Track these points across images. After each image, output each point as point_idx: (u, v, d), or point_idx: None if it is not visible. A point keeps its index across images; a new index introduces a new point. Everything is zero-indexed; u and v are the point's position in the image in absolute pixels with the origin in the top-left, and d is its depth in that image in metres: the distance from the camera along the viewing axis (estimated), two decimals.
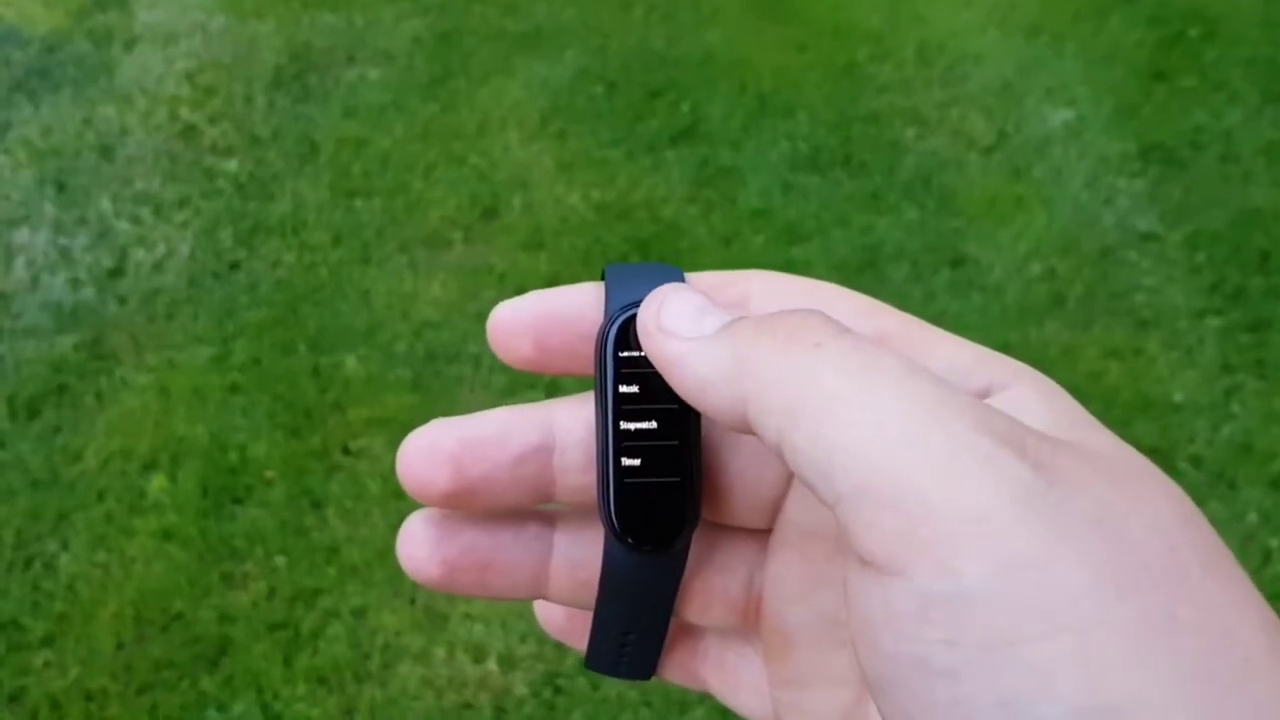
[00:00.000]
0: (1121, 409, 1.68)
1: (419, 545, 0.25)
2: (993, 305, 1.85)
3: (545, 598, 0.26)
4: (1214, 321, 1.82)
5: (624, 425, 0.23)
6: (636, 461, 0.23)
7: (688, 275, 0.24)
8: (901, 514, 0.18)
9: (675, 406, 0.23)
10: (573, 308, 0.24)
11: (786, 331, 0.21)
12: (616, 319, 0.23)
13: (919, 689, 0.18)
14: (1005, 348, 1.56)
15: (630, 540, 0.24)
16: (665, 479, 0.24)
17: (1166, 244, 1.95)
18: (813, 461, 0.19)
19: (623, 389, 0.23)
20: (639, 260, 1.93)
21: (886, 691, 0.19)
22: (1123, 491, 0.19)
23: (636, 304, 0.23)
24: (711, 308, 0.23)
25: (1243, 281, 1.88)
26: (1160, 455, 1.61)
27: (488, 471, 0.23)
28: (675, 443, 0.24)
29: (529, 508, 0.25)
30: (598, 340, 0.24)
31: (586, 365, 0.24)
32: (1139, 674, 0.17)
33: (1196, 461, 1.61)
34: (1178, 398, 1.70)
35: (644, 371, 0.23)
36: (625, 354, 0.23)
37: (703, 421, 0.24)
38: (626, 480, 0.23)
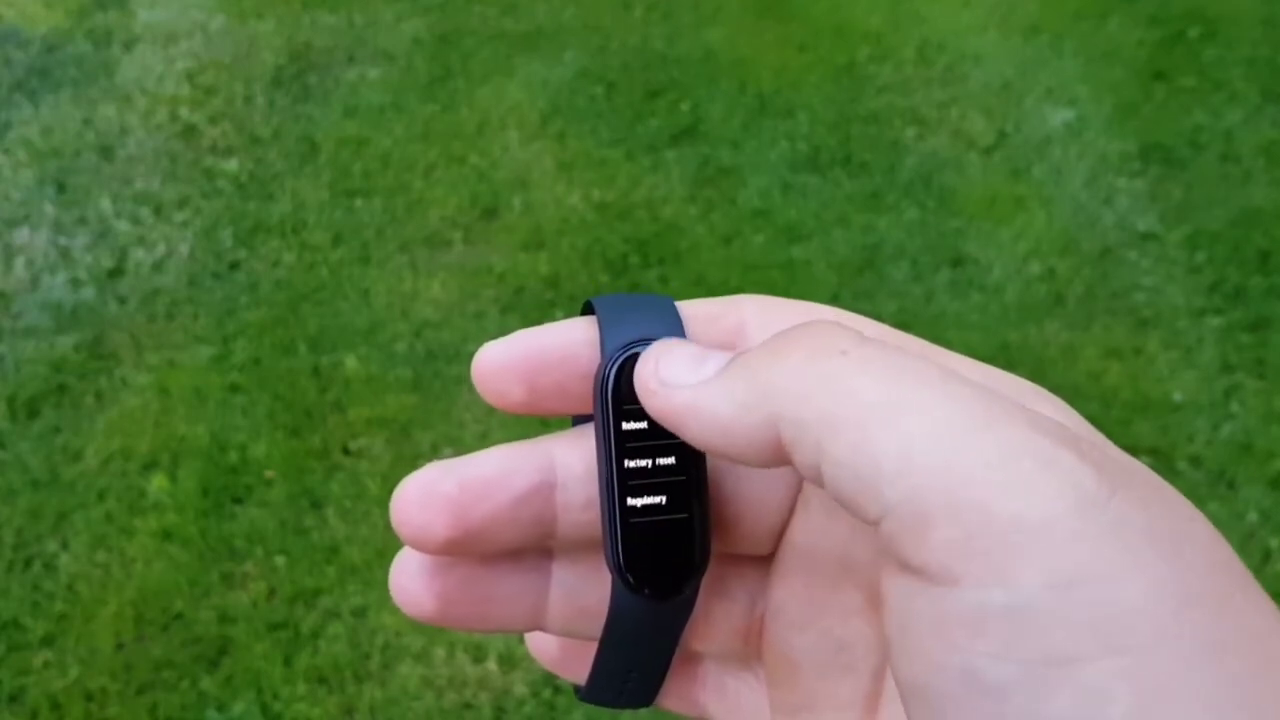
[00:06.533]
0: (1121, 409, 1.68)
1: (413, 579, 0.23)
2: (993, 305, 1.85)
3: (543, 629, 0.25)
4: (1214, 321, 1.82)
5: (629, 464, 0.22)
6: (642, 503, 0.23)
7: (678, 304, 0.24)
8: (957, 523, 0.17)
9: (680, 443, 0.23)
10: (563, 346, 0.23)
11: (807, 344, 0.20)
12: (615, 358, 0.23)
13: (963, 703, 0.18)
14: (1005, 348, 1.56)
15: (639, 587, 0.23)
16: (674, 518, 0.23)
17: (1166, 244, 1.95)
18: (857, 473, 0.18)
19: (626, 426, 0.23)
20: (638, 259, 1.93)
21: (927, 701, 0.18)
22: (1169, 507, 0.18)
23: (634, 342, 0.23)
24: (710, 352, 0.22)
25: (1243, 281, 1.88)
26: (1160, 455, 1.61)
27: (489, 514, 0.22)
28: (683, 479, 0.23)
29: (528, 549, 0.24)
30: (596, 382, 0.23)
31: (578, 405, 0.23)
32: (1190, 698, 0.16)
33: (1196, 461, 1.61)
34: (1178, 397, 1.70)
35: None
36: (627, 394, 0.22)
37: (707, 458, 0.23)
38: (633, 522, 0.23)
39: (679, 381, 0.21)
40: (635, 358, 0.22)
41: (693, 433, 0.21)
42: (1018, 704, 0.17)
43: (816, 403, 0.19)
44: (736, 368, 0.21)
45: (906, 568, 0.18)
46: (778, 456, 0.20)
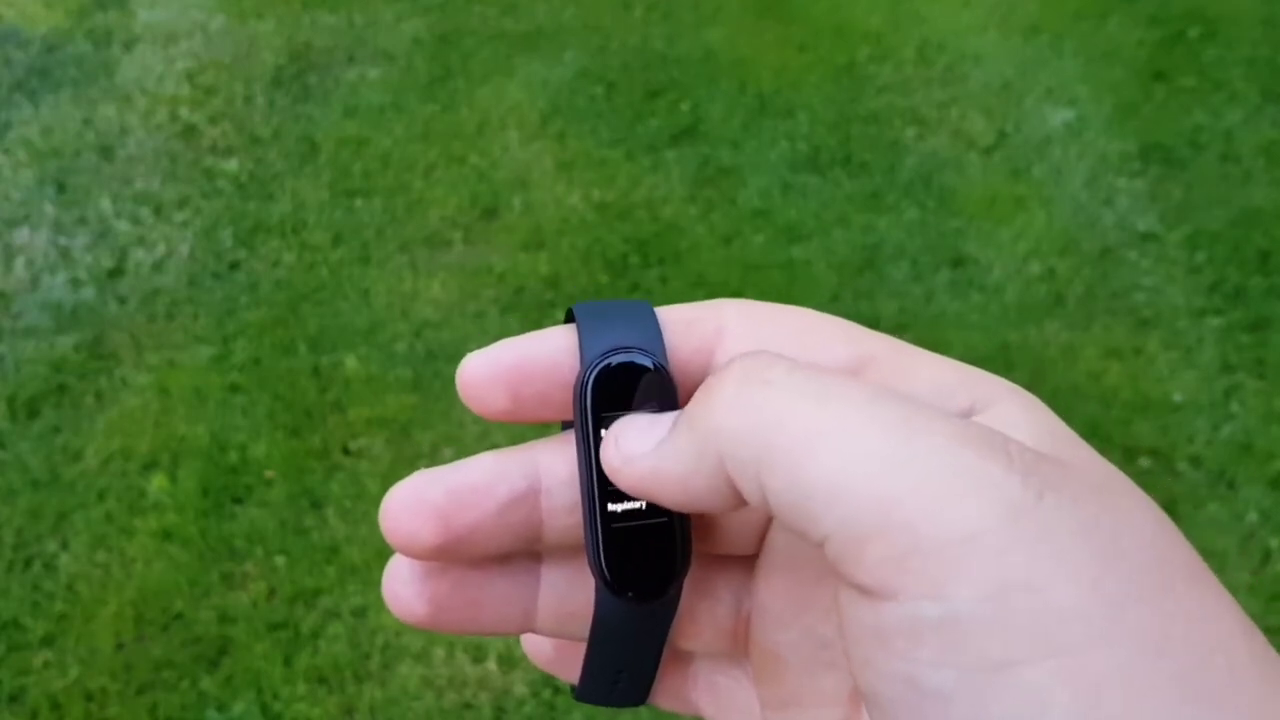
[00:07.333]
0: (1121, 409, 1.68)
1: (405, 585, 0.24)
2: (993, 305, 1.85)
3: (534, 631, 0.25)
4: (1214, 321, 1.82)
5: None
6: (623, 508, 0.23)
7: (657, 310, 0.24)
8: (890, 542, 0.18)
9: None
10: (546, 356, 0.24)
11: (734, 380, 0.21)
12: (594, 366, 0.23)
13: (911, 706, 0.18)
14: (1005, 348, 1.55)
15: (622, 590, 0.23)
16: (653, 522, 0.23)
17: (1166, 244, 1.95)
18: (794, 506, 0.19)
19: (605, 433, 0.23)
20: (638, 259, 1.93)
21: (881, 706, 0.19)
22: (1107, 503, 0.19)
23: (613, 350, 0.23)
24: (661, 416, 0.22)
25: (1243, 281, 1.88)
26: (1160, 455, 1.61)
27: (476, 521, 0.23)
28: None
29: (516, 553, 0.24)
30: (576, 390, 0.23)
31: (561, 413, 0.24)
32: (1131, 693, 0.17)
33: (1196, 461, 1.61)
34: (1178, 398, 1.70)
35: (625, 416, 0.23)
36: (605, 401, 0.23)
37: None
38: (614, 527, 0.23)
39: (637, 452, 0.22)
40: (612, 365, 0.23)
41: (662, 497, 0.22)
42: (962, 707, 0.18)
43: (750, 438, 0.20)
44: (680, 422, 0.21)
45: (851, 585, 0.19)
46: (739, 499, 0.21)
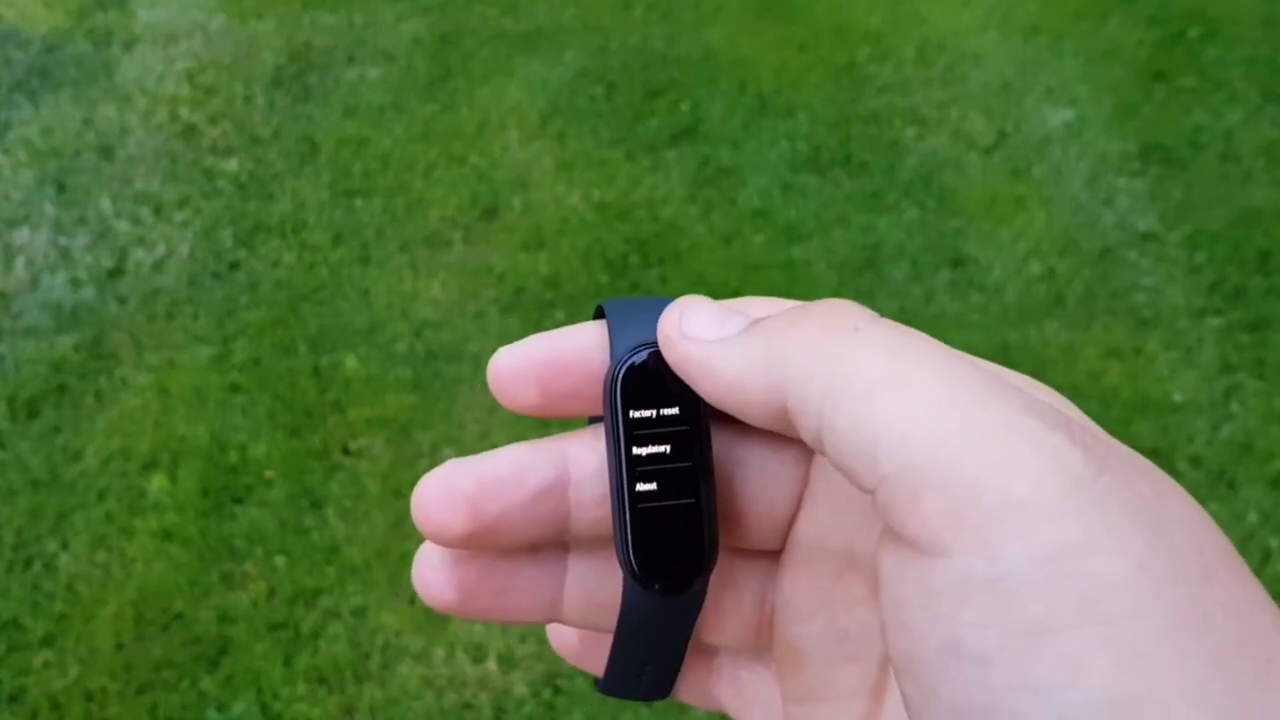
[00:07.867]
0: (1121, 409, 1.68)
1: (434, 571, 0.24)
2: (993, 305, 1.85)
3: (559, 621, 0.26)
4: (1214, 321, 1.82)
5: (638, 452, 0.23)
6: (650, 488, 0.23)
7: None
8: (947, 495, 0.18)
9: (685, 434, 0.24)
10: (576, 351, 0.24)
11: (821, 319, 0.21)
12: (624, 361, 0.23)
13: (949, 671, 0.18)
14: (1005, 348, 1.55)
15: (649, 583, 0.24)
16: (680, 503, 0.24)
17: (1166, 244, 1.95)
18: (855, 445, 0.19)
19: (636, 430, 0.23)
20: (638, 259, 1.93)
21: (915, 673, 0.19)
22: (1155, 491, 0.19)
23: (643, 345, 0.23)
24: (731, 313, 0.23)
25: (1243, 281, 1.88)
26: (1160, 455, 1.61)
27: (505, 511, 0.23)
28: (689, 465, 0.24)
29: (544, 543, 0.25)
30: (606, 384, 0.24)
31: (590, 407, 0.24)
32: (1168, 668, 0.17)
33: (1196, 461, 1.61)
34: (1178, 398, 1.70)
35: (656, 412, 0.23)
36: (635, 396, 0.23)
37: (714, 451, 0.24)
38: (641, 508, 0.23)
39: (699, 336, 0.22)
40: (642, 360, 0.23)
41: (705, 386, 0.22)
42: (1001, 671, 0.18)
43: (823, 376, 0.20)
44: (755, 332, 0.22)
45: (899, 539, 0.19)
46: (781, 421, 0.21)
